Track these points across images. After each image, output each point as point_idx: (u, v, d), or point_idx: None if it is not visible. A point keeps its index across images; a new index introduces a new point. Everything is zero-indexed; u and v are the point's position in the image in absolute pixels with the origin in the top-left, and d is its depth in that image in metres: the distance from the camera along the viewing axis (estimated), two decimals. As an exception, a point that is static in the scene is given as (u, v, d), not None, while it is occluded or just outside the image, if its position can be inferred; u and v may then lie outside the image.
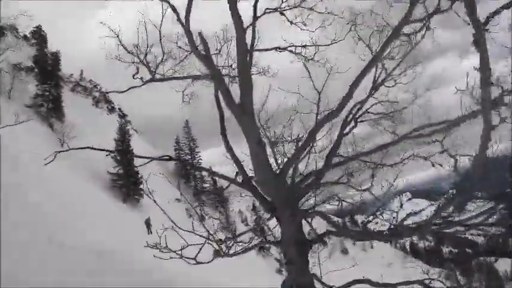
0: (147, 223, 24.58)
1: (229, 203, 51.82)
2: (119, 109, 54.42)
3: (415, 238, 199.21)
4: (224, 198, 48.97)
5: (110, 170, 29.58)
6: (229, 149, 9.57)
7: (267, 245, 48.03)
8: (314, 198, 12.67)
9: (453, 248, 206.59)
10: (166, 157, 10.03)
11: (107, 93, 51.15)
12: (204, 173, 48.33)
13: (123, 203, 28.73)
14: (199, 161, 48.12)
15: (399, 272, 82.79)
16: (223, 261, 29.96)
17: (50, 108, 30.07)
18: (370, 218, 10.79)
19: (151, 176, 37.74)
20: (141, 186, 30.91)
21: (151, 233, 23.88)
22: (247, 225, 56.53)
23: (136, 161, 31.54)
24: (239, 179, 9.66)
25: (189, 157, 47.86)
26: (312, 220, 11.77)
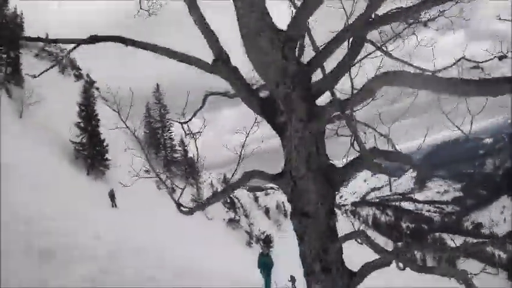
0: (111, 195, 23.25)
1: (201, 175, 51.96)
2: (87, 75, 52.84)
3: (377, 212, 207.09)
4: (195, 169, 49.00)
5: (72, 139, 27.60)
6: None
7: (237, 217, 49.40)
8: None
9: (410, 223, 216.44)
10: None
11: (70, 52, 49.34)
12: (175, 142, 47.54)
13: (87, 174, 27.62)
14: (171, 128, 47.10)
15: (359, 246, 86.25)
16: (193, 233, 30.50)
17: (7, 73, 28.11)
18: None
19: (118, 145, 36.77)
20: (107, 156, 29.50)
21: (115, 205, 23.41)
22: (218, 197, 57.30)
23: (103, 128, 30.65)
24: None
25: (160, 124, 46.79)
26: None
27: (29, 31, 41.26)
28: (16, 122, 23.82)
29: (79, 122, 28.21)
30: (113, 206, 23.06)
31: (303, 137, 5.33)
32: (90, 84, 51.28)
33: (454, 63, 7.10)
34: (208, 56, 5.80)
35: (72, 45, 6.01)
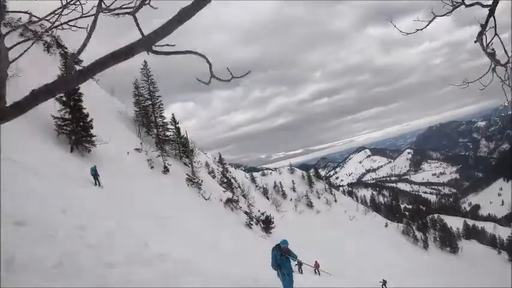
0: (94, 173, 20.40)
1: (195, 155, 49.39)
2: (73, 54, 49.63)
3: (374, 193, 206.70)
4: (189, 149, 46.47)
5: (53, 114, 24.59)
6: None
7: (235, 198, 47.03)
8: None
9: (408, 204, 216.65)
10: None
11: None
12: (167, 120, 45.23)
13: (70, 152, 24.76)
14: (161, 106, 44.76)
15: (361, 224, 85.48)
16: (193, 214, 28.04)
17: None
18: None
19: (106, 121, 33.81)
20: (92, 132, 26.58)
21: (99, 184, 20.35)
22: (215, 177, 55.01)
23: (87, 103, 28.15)
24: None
25: (149, 102, 44.30)
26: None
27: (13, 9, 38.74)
28: None
29: (60, 96, 25.13)
30: (95, 185, 20.01)
31: None
32: (71, 56, 48.15)
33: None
34: None
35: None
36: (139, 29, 2.97)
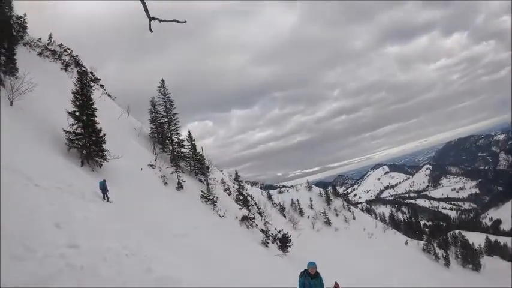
0: (103, 187, 19.88)
1: (211, 172, 49.00)
2: (91, 72, 50.55)
3: (393, 210, 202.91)
4: (205, 165, 46.11)
5: (65, 128, 24.48)
6: None
7: (251, 215, 46.18)
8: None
9: (427, 220, 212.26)
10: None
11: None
12: (182, 137, 45.26)
13: (81, 166, 24.42)
14: (177, 123, 44.82)
15: (380, 242, 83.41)
16: (207, 231, 27.37)
17: (0, 62, 25.80)
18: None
19: (120, 137, 33.63)
20: (104, 147, 26.35)
21: (107, 199, 19.85)
22: (230, 194, 54.24)
23: (103, 119, 28.09)
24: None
25: (166, 119, 44.48)
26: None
27: (33, 32, 39.92)
28: (6, 110, 21.10)
29: (73, 111, 25.18)
30: (104, 200, 19.46)
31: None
32: (85, 73, 49.12)
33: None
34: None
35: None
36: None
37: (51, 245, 7.11)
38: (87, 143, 25.25)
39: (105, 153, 26.16)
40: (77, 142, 24.89)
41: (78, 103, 25.60)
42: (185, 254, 15.86)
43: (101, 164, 25.94)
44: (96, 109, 26.57)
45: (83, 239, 8.52)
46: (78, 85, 26.14)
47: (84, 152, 25.05)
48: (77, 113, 25.43)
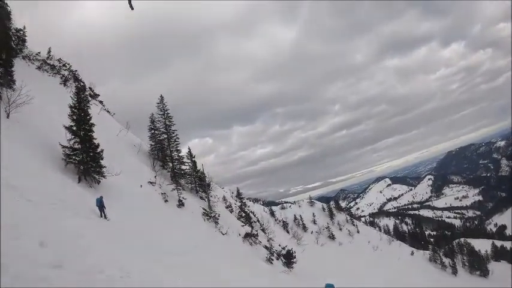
0: (100, 204, 19.29)
1: (212, 189, 48.65)
2: (90, 88, 50.56)
3: (397, 222, 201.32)
4: (206, 183, 45.75)
5: (62, 143, 24.08)
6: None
7: (254, 232, 45.69)
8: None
9: (432, 230, 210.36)
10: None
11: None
12: (182, 154, 44.99)
13: (78, 182, 23.98)
14: (176, 140, 44.57)
15: (386, 254, 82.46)
16: (209, 250, 26.94)
17: None
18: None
19: (119, 154, 33.23)
20: (102, 163, 25.97)
21: (104, 216, 19.37)
22: (232, 211, 53.77)
23: (102, 136, 27.76)
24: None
25: (165, 136, 44.25)
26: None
27: (32, 45, 40.11)
28: (2, 122, 20.84)
29: (71, 126, 24.90)
30: (101, 217, 19.06)
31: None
32: (83, 88, 49.16)
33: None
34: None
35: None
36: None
37: (30, 263, 6.68)
38: (84, 159, 24.81)
39: (103, 169, 25.70)
40: (74, 157, 24.43)
41: (75, 117, 25.23)
42: (186, 275, 15.40)
43: (99, 181, 25.52)
44: (94, 124, 26.22)
45: (70, 258, 8.04)
46: (75, 99, 25.91)
47: (81, 167, 24.59)
48: (74, 128, 25.01)
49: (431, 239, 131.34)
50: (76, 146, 24.78)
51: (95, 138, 25.78)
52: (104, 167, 25.76)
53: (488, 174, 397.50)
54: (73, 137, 24.85)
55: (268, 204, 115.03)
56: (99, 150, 25.73)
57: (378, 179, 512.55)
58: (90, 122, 25.77)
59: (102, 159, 25.67)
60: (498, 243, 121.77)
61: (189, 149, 45.89)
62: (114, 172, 26.41)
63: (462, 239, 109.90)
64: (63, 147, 24.04)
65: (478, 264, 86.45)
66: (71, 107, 25.39)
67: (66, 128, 24.65)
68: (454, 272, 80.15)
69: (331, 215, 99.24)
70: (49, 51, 45.14)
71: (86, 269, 8.06)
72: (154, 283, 10.00)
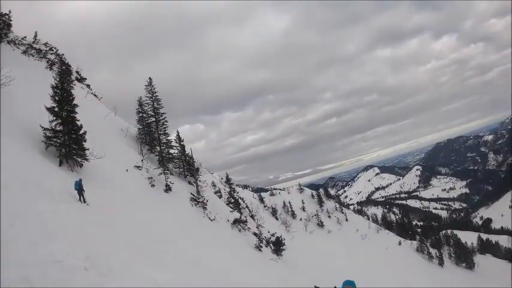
0: (79, 188, 18.03)
1: (200, 174, 47.26)
2: (77, 72, 48.68)
3: (385, 211, 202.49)
4: (194, 167, 44.26)
5: (43, 124, 22.47)
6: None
7: (243, 218, 44.67)
8: None
9: (419, 221, 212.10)
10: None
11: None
12: (171, 138, 43.37)
13: (59, 165, 22.46)
14: (165, 123, 42.81)
15: (374, 243, 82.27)
16: (197, 237, 25.82)
17: None
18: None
19: (106, 138, 31.77)
20: (85, 145, 24.37)
21: (84, 201, 17.93)
22: (221, 197, 52.60)
23: (88, 120, 26.43)
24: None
25: (153, 119, 42.52)
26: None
27: (18, 31, 38.38)
28: None
29: (52, 107, 23.27)
30: (80, 201, 17.65)
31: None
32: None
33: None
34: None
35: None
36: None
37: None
38: (66, 141, 23.36)
39: (86, 152, 24.29)
40: (55, 140, 22.93)
41: (57, 98, 23.70)
42: (169, 263, 14.17)
43: (82, 164, 24.04)
44: (77, 105, 24.60)
45: (26, 247, 6.84)
46: (58, 79, 24.29)
47: (63, 150, 23.14)
48: (56, 109, 23.49)
49: (418, 230, 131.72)
50: (58, 128, 23.24)
51: (78, 120, 24.24)
52: (87, 149, 24.27)
53: (476, 167, 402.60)
54: (55, 118, 23.30)
55: (258, 190, 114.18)
56: (82, 131, 24.22)
57: (367, 168, 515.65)
58: (73, 102, 24.18)
59: (85, 141, 24.19)
60: (484, 236, 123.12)
61: (177, 132, 44.09)
62: (97, 155, 24.86)
63: (449, 231, 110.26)
64: (44, 129, 22.49)
65: (464, 257, 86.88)
66: (53, 87, 23.76)
67: (47, 109, 23.05)
68: (441, 263, 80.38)
69: (321, 202, 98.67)
70: (35, 36, 43.27)
71: (39, 259, 6.76)
72: (128, 275, 8.68)
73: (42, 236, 8.36)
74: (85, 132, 24.28)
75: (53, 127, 23.07)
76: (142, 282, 8.91)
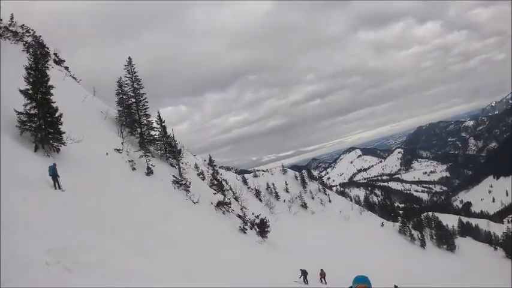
0: (53, 173, 17.17)
1: (183, 155, 46.09)
2: (55, 54, 46.49)
3: (367, 193, 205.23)
4: (176, 149, 42.97)
5: (17, 109, 21.00)
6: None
7: (227, 200, 43.99)
8: None
9: (400, 203, 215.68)
10: None
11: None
12: (152, 119, 41.84)
13: (34, 151, 21.15)
14: (145, 104, 41.21)
15: (357, 224, 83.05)
16: (180, 220, 24.97)
17: None
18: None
19: (85, 121, 30.31)
20: (62, 129, 22.95)
21: (59, 187, 16.80)
22: (204, 179, 51.76)
23: (66, 103, 25.07)
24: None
25: (133, 100, 40.83)
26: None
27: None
28: None
29: (26, 89, 21.72)
30: (54, 187, 16.54)
31: None
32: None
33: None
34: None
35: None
36: None
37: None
38: (41, 125, 21.97)
39: (63, 135, 22.92)
40: (30, 124, 21.54)
41: (31, 80, 22.21)
42: (149, 250, 13.26)
43: (58, 149, 22.70)
44: (53, 86, 23.12)
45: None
46: (32, 59, 22.72)
47: (38, 135, 21.79)
48: (30, 91, 22.01)
49: (400, 212, 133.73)
50: (32, 111, 21.75)
51: (54, 102, 22.75)
52: (64, 133, 22.86)
53: (456, 152, 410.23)
54: (29, 101, 21.79)
55: (241, 172, 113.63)
56: (57, 114, 22.72)
57: (349, 150, 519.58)
58: (49, 84, 22.62)
59: (61, 124, 22.77)
60: (464, 219, 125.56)
61: (158, 113, 42.41)
62: (75, 139, 23.53)
63: (430, 213, 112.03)
64: (19, 113, 20.99)
65: (445, 239, 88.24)
66: (26, 68, 22.16)
67: (21, 91, 21.50)
68: (423, 244, 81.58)
69: (304, 184, 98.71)
70: (11, 18, 40.97)
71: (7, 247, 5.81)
72: (98, 267, 7.73)
73: (4, 227, 7.34)
74: (61, 115, 22.82)
75: (28, 110, 21.64)
76: (114, 273, 7.94)
